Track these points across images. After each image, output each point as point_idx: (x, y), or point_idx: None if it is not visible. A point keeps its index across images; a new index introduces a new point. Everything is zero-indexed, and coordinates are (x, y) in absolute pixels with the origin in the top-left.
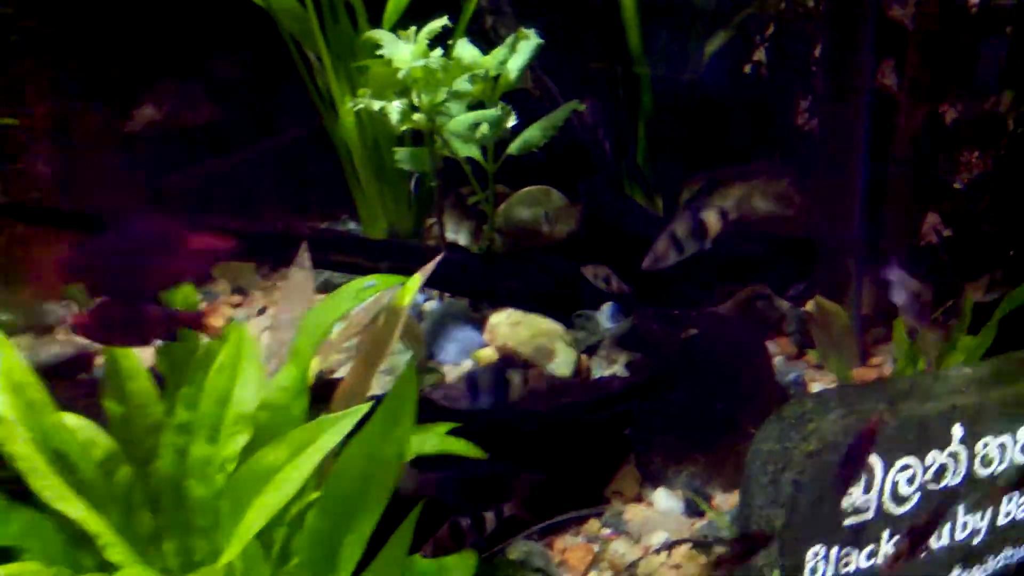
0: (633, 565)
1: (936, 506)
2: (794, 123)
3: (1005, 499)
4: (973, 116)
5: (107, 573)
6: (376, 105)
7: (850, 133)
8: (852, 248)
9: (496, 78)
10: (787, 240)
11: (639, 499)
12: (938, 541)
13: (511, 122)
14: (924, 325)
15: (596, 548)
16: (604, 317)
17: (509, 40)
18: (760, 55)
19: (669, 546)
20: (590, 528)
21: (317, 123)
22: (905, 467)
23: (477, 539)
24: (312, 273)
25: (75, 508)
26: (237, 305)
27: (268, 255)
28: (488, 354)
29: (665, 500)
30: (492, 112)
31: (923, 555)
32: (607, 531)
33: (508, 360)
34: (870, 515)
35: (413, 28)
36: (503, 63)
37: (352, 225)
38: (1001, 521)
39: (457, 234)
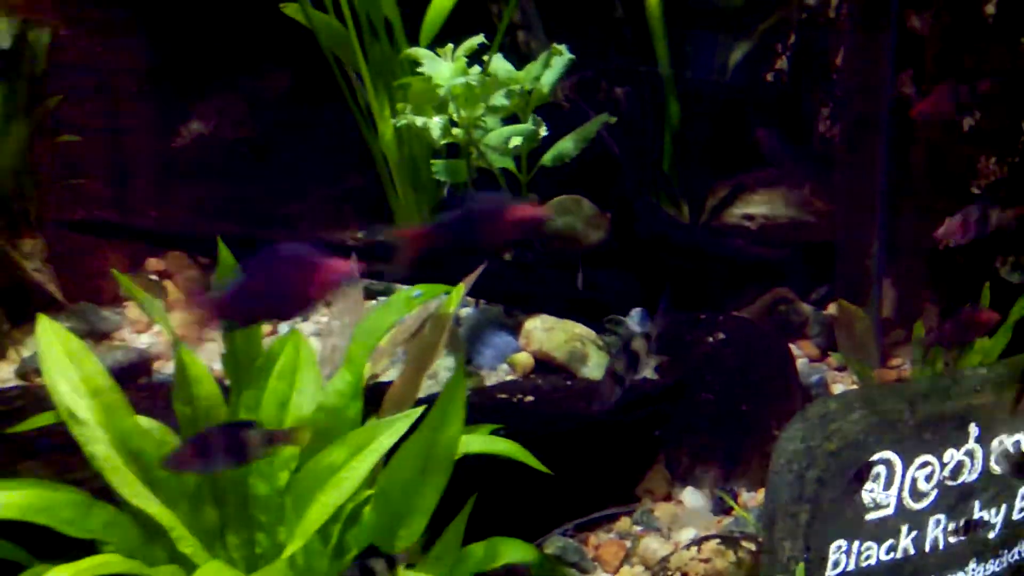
0: (664, 560)
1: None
2: (816, 130)
3: (1020, 495)
4: (990, 123)
5: (178, 564)
6: (419, 121)
7: (870, 139)
8: (872, 252)
9: (530, 92)
10: (809, 245)
11: (668, 497)
12: (956, 536)
13: (543, 133)
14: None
15: (628, 544)
16: (633, 321)
17: (543, 56)
18: (782, 64)
19: (698, 542)
20: (622, 525)
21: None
22: (924, 464)
23: None
24: (361, 283)
25: (150, 504)
26: None
27: None
28: (524, 358)
29: (693, 498)
30: (527, 126)
31: (941, 548)
32: (638, 528)
33: (544, 363)
34: (890, 511)
35: (450, 46)
36: (537, 78)
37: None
38: (1016, 516)
39: None
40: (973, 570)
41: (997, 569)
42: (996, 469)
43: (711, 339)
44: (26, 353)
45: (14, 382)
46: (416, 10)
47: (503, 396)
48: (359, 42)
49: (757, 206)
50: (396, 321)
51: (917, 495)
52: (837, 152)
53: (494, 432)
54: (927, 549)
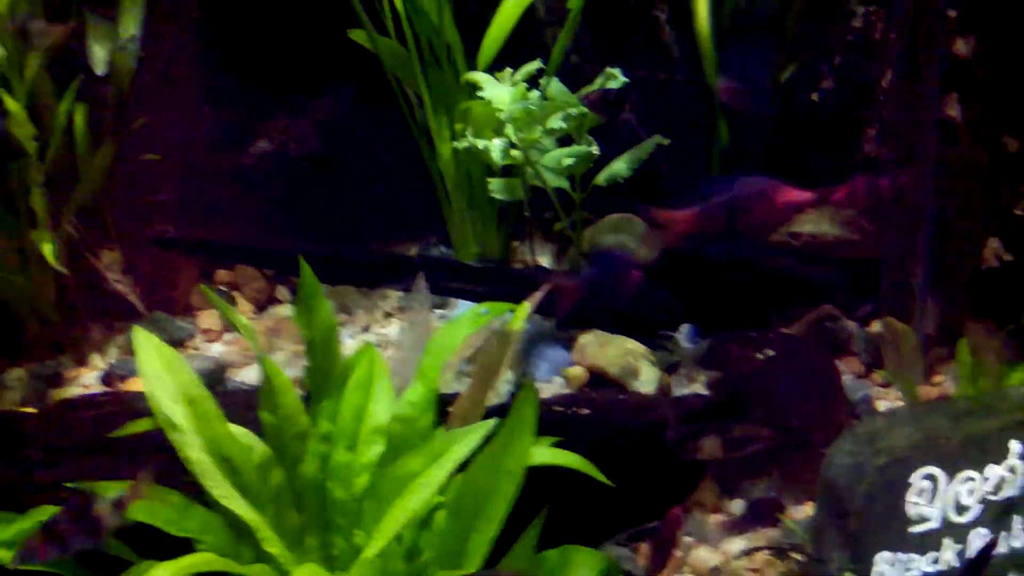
0: (716, 570)
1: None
2: (862, 150)
3: None
4: None
5: (264, 563)
6: (481, 144)
7: (917, 160)
8: (917, 270)
9: (584, 114)
10: (855, 262)
11: (718, 509)
12: (996, 549)
13: (595, 154)
14: None
15: (680, 554)
16: (683, 337)
17: (599, 80)
18: (828, 84)
19: (748, 552)
20: None
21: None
22: (967, 479)
23: None
24: (430, 298)
25: (240, 506)
26: (342, 324)
27: (377, 282)
28: (578, 372)
29: (743, 510)
30: (583, 148)
31: None
32: (690, 538)
33: (597, 377)
34: (934, 524)
35: (508, 70)
36: None
37: (443, 248)
38: None
39: (540, 257)
40: None
41: None
42: None
43: (760, 356)
44: (110, 360)
45: (99, 388)
46: (475, 32)
47: (559, 408)
48: (420, 66)
49: (803, 224)
50: (466, 335)
51: (960, 509)
52: (884, 172)
53: (555, 444)
54: None
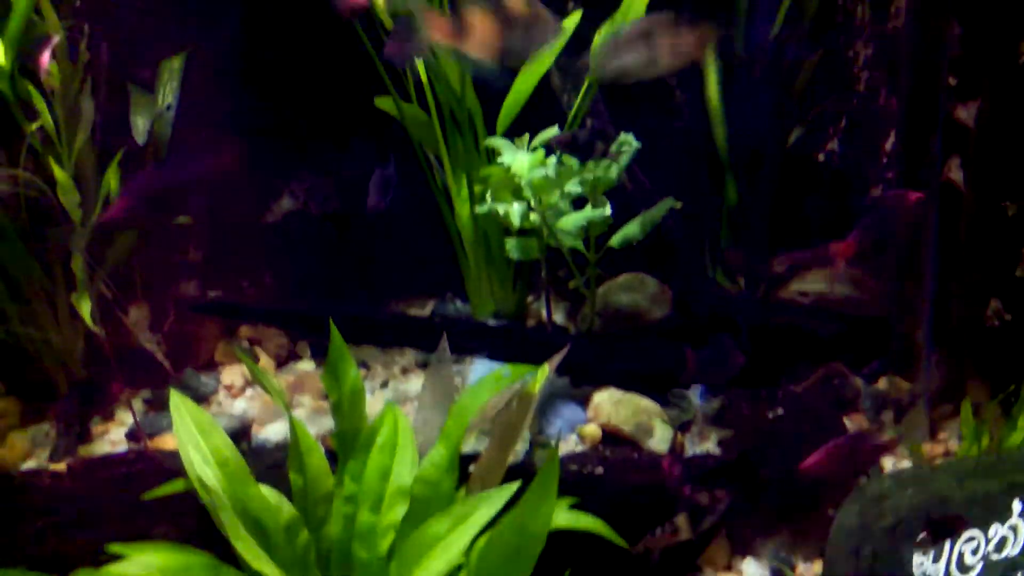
0: None
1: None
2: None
3: None
4: None
5: None
6: (501, 209)
7: (921, 220)
8: (922, 329)
9: (599, 178)
10: (861, 320)
11: (729, 567)
12: None
13: (608, 215)
14: None
15: None
16: (695, 395)
17: (613, 146)
18: (833, 145)
19: None
20: None
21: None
22: (970, 539)
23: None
24: (451, 359)
25: (268, 568)
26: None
27: (399, 342)
28: (592, 430)
29: (753, 569)
30: (599, 212)
31: None
32: None
33: (611, 435)
34: None
35: (526, 136)
36: (607, 167)
37: (459, 303)
38: None
39: (554, 314)
40: None
41: None
42: None
43: (771, 414)
44: (131, 416)
45: (125, 444)
46: (493, 97)
47: (574, 467)
48: (441, 130)
49: (812, 283)
50: (489, 398)
51: (964, 568)
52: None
53: (572, 505)
54: None
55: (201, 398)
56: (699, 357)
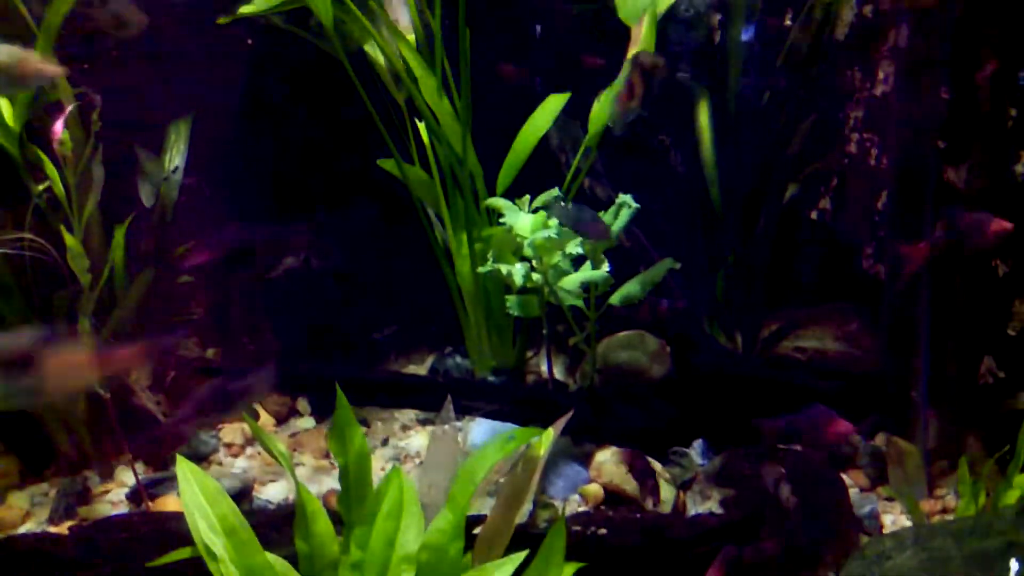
0: None
1: None
2: (860, 267)
3: None
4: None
5: None
6: (504, 269)
7: (913, 278)
8: (917, 386)
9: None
10: (857, 377)
11: None
12: None
13: (607, 271)
14: None
15: None
16: (696, 453)
17: (613, 208)
18: (825, 203)
19: None
20: None
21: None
22: None
23: None
24: (456, 422)
25: None
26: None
27: (401, 403)
28: (594, 490)
29: None
30: (600, 273)
31: None
32: None
33: (613, 494)
34: None
35: (527, 197)
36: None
37: (459, 358)
38: None
39: (555, 369)
40: None
41: None
42: None
43: (771, 473)
44: (132, 476)
45: (125, 505)
46: (493, 156)
47: (577, 528)
48: (442, 190)
49: (808, 339)
50: (495, 462)
51: None
52: (883, 288)
53: (578, 572)
54: None
55: (201, 457)
56: (791, 423)
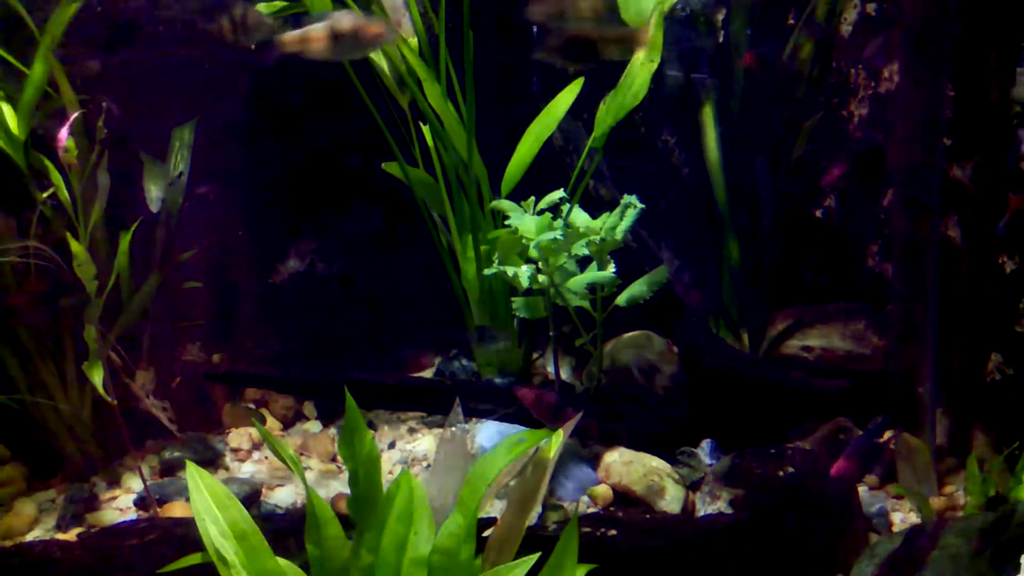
0: None
1: None
2: (866, 266)
3: None
4: None
5: None
6: (510, 272)
7: (920, 276)
8: (925, 384)
9: (604, 239)
10: (865, 375)
11: None
12: None
13: (612, 271)
14: None
15: None
16: (704, 453)
17: (618, 209)
18: (831, 202)
19: None
20: None
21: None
22: None
23: None
24: (465, 424)
25: None
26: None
27: (409, 406)
28: (603, 491)
29: None
30: (606, 274)
31: None
32: None
33: (623, 495)
34: None
35: (532, 199)
36: (612, 228)
37: (464, 361)
38: None
39: (561, 370)
40: None
41: None
42: None
43: (781, 472)
44: (139, 482)
45: (133, 511)
46: (498, 158)
47: (587, 529)
48: (447, 193)
49: (815, 338)
50: (505, 465)
51: None
52: (889, 287)
53: (590, 573)
54: None
55: (208, 462)
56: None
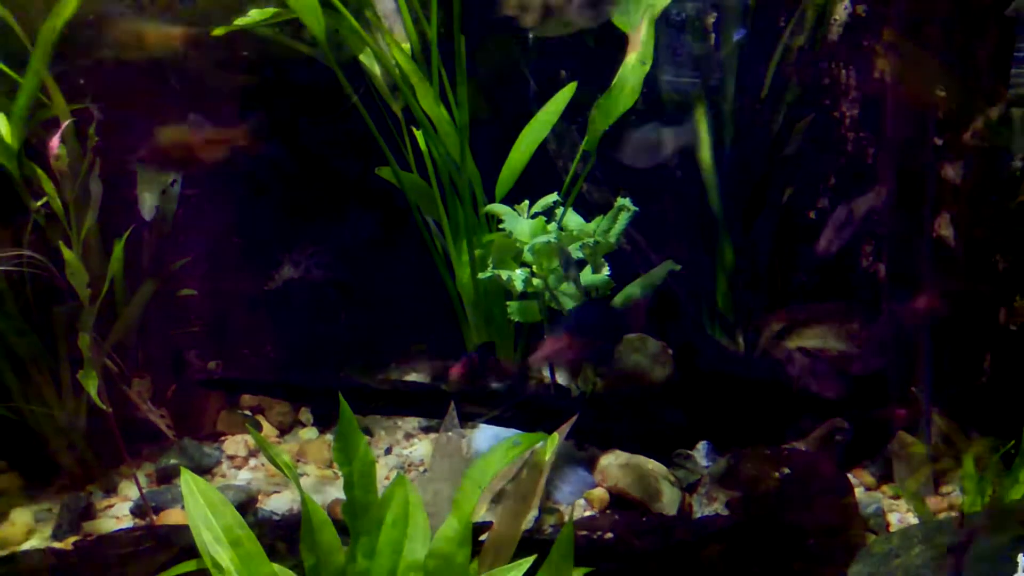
0: None
1: None
2: (859, 266)
3: None
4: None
5: None
6: (504, 275)
7: (914, 277)
8: (921, 384)
9: (598, 242)
10: (860, 376)
11: None
12: None
13: (607, 274)
14: None
15: None
16: (700, 455)
17: (612, 211)
18: (824, 203)
19: None
20: None
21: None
22: None
23: None
24: (460, 429)
25: None
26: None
27: (404, 411)
28: (600, 494)
29: None
30: (601, 277)
31: None
32: None
33: (619, 498)
34: None
35: (526, 202)
36: (606, 231)
37: None
38: None
39: (557, 374)
40: None
41: None
42: None
43: (777, 474)
44: (135, 489)
45: (130, 519)
46: (491, 162)
47: (584, 532)
48: (441, 197)
49: (809, 339)
50: (501, 469)
51: None
52: (883, 288)
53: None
54: None
55: (205, 469)
56: None
